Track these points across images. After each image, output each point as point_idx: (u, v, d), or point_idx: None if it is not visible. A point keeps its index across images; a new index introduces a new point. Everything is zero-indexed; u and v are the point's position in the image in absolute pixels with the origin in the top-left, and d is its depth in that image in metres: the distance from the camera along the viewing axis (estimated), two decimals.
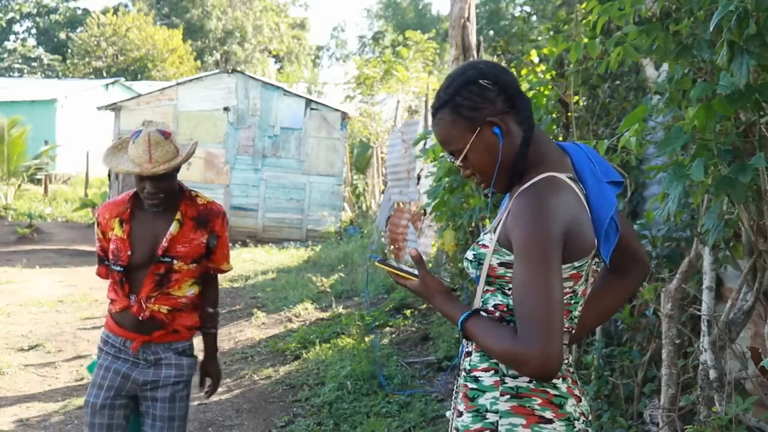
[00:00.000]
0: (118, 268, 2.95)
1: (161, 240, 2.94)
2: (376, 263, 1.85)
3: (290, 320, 8.21)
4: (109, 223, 2.99)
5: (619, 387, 3.85)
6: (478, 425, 1.69)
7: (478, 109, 1.74)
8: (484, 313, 1.75)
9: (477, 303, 1.77)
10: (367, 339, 6.77)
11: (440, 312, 1.80)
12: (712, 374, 2.78)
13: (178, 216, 2.98)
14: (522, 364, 1.59)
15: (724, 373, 2.77)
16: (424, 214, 9.48)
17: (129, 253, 2.93)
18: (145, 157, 2.81)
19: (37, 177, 22.03)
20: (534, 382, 1.68)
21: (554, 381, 1.70)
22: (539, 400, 1.68)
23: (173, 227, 2.96)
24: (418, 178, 10.45)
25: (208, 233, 3.02)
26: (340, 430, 4.79)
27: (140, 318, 2.94)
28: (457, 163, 1.81)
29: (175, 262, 2.95)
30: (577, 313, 1.77)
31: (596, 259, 1.79)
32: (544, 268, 1.58)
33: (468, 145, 1.75)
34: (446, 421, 4.62)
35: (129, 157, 2.87)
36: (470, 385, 1.75)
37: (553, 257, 1.60)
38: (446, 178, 6.15)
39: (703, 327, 2.87)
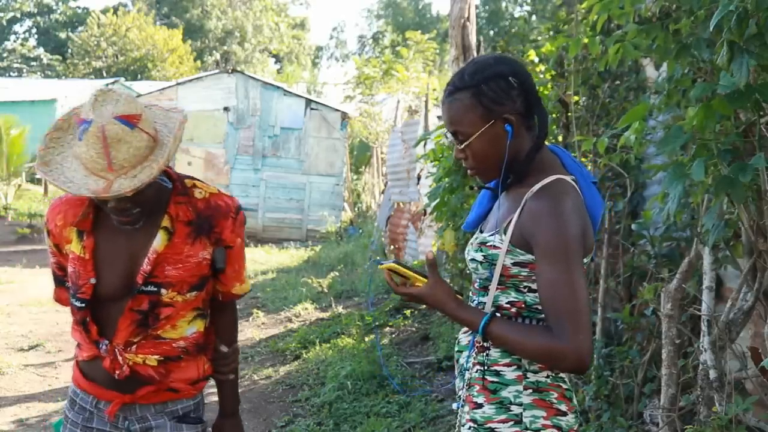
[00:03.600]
0: (79, 303, 2.01)
1: (141, 261, 1.99)
2: (381, 266, 1.83)
3: (290, 320, 8.22)
4: (64, 233, 2.04)
5: (619, 387, 3.85)
6: (503, 416, 1.75)
7: (499, 103, 1.77)
8: (497, 313, 1.78)
9: (489, 302, 1.79)
10: (367, 339, 6.77)
11: (454, 318, 1.81)
12: (712, 374, 2.77)
13: (165, 222, 2.00)
14: (560, 360, 1.65)
15: (724, 373, 2.77)
16: (424, 214, 9.47)
17: (93, 280, 2.00)
18: (101, 163, 1.81)
19: (37, 177, 22.04)
20: (551, 377, 1.76)
21: (562, 375, 1.78)
22: (556, 394, 1.75)
23: (158, 240, 1.99)
24: (418, 178, 10.45)
25: (213, 244, 2.05)
26: (340, 430, 4.79)
27: (116, 376, 2.01)
28: (458, 145, 1.83)
29: (163, 291, 2.00)
30: None
31: None
32: (570, 267, 1.65)
33: (477, 134, 1.78)
34: (447, 422, 4.62)
35: (76, 157, 1.85)
36: (491, 379, 1.78)
37: (577, 256, 1.67)
38: (446, 179, 6.14)
39: (703, 327, 2.87)
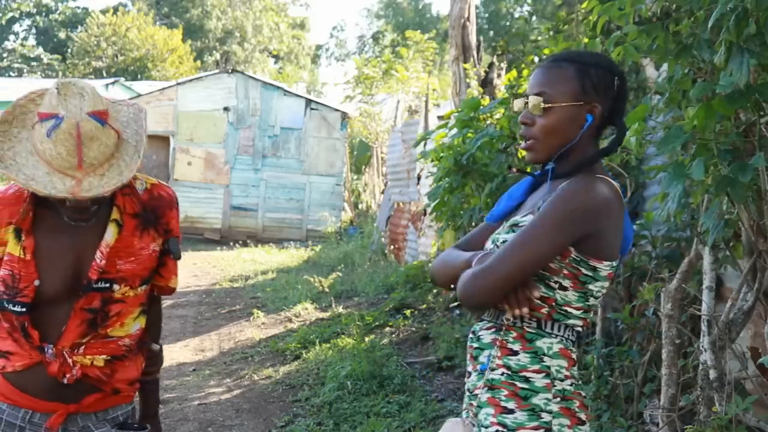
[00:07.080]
0: (19, 308, 1.84)
1: (92, 256, 1.86)
2: None
3: (290, 320, 8.22)
4: None
5: (619, 387, 3.85)
6: (534, 423, 1.74)
7: (596, 92, 1.78)
8: (527, 316, 1.75)
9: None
10: (367, 339, 6.77)
11: None
12: (712, 374, 2.78)
13: (114, 215, 1.90)
14: (459, 284, 1.72)
15: (724, 373, 2.78)
16: (424, 214, 9.47)
17: (36, 283, 1.84)
18: (71, 161, 1.72)
19: None
20: (574, 384, 1.74)
21: (580, 383, 1.78)
22: (577, 402, 1.75)
23: (110, 234, 1.88)
24: (418, 178, 10.45)
25: (162, 235, 1.97)
26: (340, 430, 4.79)
27: (65, 381, 1.87)
28: (534, 107, 1.78)
29: (115, 287, 1.90)
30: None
31: None
32: (545, 236, 1.66)
33: (562, 105, 1.76)
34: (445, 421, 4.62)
35: (39, 153, 1.74)
36: (520, 385, 1.75)
37: (559, 234, 1.66)
38: (446, 179, 6.15)
39: (703, 327, 2.87)
